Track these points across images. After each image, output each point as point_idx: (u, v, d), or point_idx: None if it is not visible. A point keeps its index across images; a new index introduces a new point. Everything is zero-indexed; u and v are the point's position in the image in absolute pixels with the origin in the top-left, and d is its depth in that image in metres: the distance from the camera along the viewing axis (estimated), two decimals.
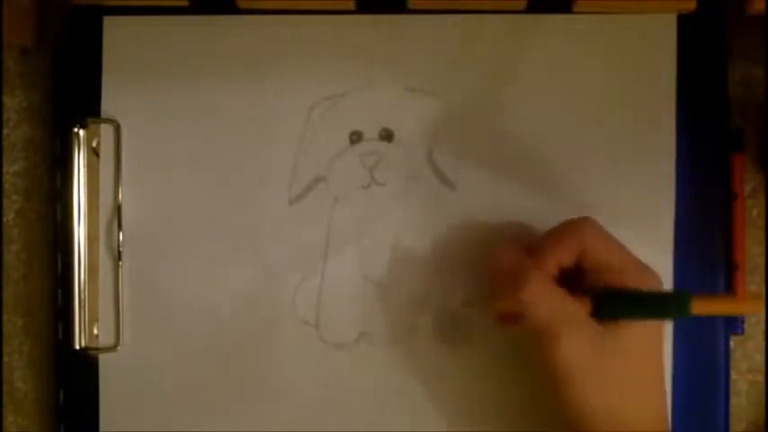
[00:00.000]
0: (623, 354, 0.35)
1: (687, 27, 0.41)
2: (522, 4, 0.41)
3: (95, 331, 0.42)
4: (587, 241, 0.36)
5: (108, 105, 0.42)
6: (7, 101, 0.44)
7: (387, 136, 0.42)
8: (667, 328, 0.41)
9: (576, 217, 0.38)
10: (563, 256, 0.37)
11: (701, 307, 0.36)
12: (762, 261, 0.43)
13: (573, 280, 0.37)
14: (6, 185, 0.44)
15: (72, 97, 0.42)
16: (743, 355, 0.43)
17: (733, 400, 0.42)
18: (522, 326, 0.36)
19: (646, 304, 0.35)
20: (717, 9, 0.41)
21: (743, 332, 0.42)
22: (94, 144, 0.42)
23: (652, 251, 0.41)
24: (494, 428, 0.41)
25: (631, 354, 0.35)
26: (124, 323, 0.42)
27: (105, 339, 0.42)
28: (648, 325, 0.35)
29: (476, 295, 0.41)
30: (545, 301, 0.35)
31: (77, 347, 0.42)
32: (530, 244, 0.38)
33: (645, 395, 0.36)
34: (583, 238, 0.36)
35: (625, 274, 0.36)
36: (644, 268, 0.36)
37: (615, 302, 0.35)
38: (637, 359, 0.35)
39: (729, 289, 0.41)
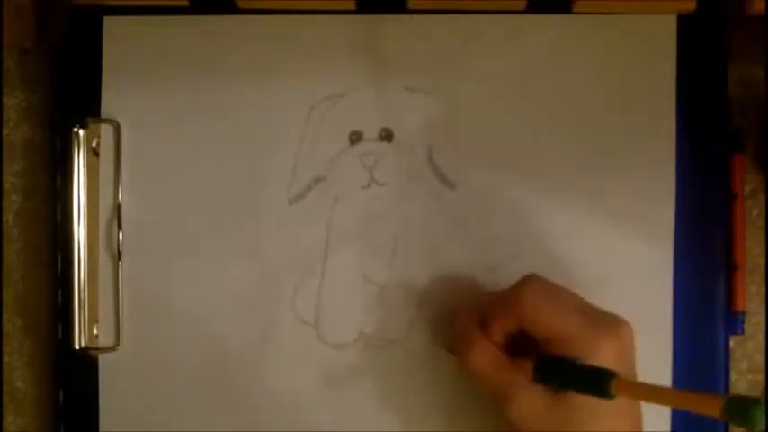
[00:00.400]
0: (583, 415, 0.34)
1: (687, 27, 0.41)
2: (522, 4, 0.41)
3: (95, 331, 0.42)
4: (526, 313, 0.36)
5: (108, 105, 0.42)
6: (7, 101, 0.44)
7: (387, 136, 0.42)
8: (667, 328, 0.41)
9: (521, 280, 0.37)
10: (506, 326, 0.37)
11: (623, 390, 0.32)
12: (762, 261, 0.43)
13: (524, 343, 0.36)
14: (6, 185, 0.44)
15: (72, 97, 0.42)
16: (743, 355, 0.43)
17: None
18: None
19: (575, 377, 0.34)
20: (717, 9, 0.41)
21: (743, 332, 0.42)
22: (94, 144, 0.42)
23: (652, 251, 0.41)
24: (493, 429, 0.41)
25: (593, 414, 0.34)
26: (124, 323, 0.42)
27: (105, 339, 0.42)
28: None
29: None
30: (487, 369, 0.36)
31: (77, 347, 0.42)
32: (484, 303, 0.38)
33: None
34: (521, 310, 0.36)
35: (566, 343, 0.35)
36: (597, 330, 0.35)
37: (550, 371, 0.35)
38: (600, 420, 0.34)
39: (729, 289, 0.41)
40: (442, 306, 0.42)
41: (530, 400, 0.35)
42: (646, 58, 0.42)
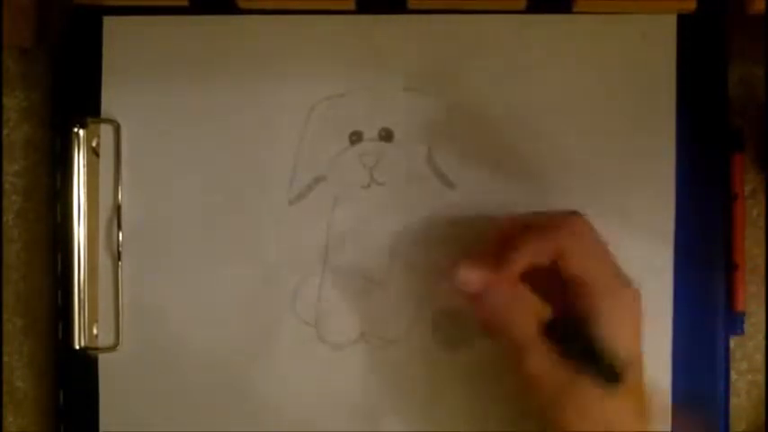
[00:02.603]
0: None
1: (687, 27, 0.41)
2: (522, 4, 0.41)
3: (95, 331, 0.42)
4: (566, 245, 0.35)
5: (108, 105, 0.42)
6: (7, 101, 0.44)
7: (387, 136, 0.42)
8: (667, 328, 0.41)
9: (565, 211, 0.36)
10: (539, 254, 0.35)
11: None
12: (762, 261, 0.43)
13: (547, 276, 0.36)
14: (6, 185, 0.44)
15: (72, 97, 0.42)
16: (743, 355, 0.43)
17: (733, 400, 0.42)
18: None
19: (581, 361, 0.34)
20: (717, 9, 0.41)
21: (743, 332, 0.42)
22: (94, 144, 0.42)
23: (652, 251, 0.41)
24: (493, 429, 0.41)
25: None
26: (124, 323, 0.42)
27: (105, 339, 0.42)
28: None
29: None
30: (502, 306, 0.35)
31: (77, 347, 0.42)
32: (511, 227, 0.37)
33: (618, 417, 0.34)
34: (563, 240, 0.35)
35: (593, 287, 0.34)
36: (618, 285, 0.35)
37: (567, 341, 0.35)
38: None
39: (729, 289, 0.41)
40: (441, 306, 0.42)
41: (544, 356, 0.34)
42: (646, 58, 0.42)
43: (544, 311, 0.35)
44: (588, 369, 0.33)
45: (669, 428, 0.41)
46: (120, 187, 0.42)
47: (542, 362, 0.34)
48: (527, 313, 0.35)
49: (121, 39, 0.42)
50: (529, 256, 0.36)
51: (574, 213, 0.36)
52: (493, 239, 0.38)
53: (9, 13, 0.41)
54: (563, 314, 0.35)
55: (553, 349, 0.34)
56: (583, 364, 0.34)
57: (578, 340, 0.34)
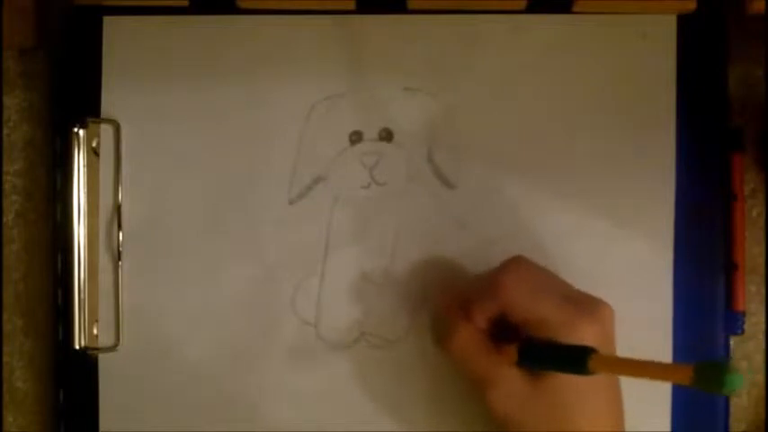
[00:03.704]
0: (562, 396, 0.34)
1: (687, 27, 0.41)
2: (522, 4, 0.41)
3: (95, 331, 0.42)
4: (505, 297, 0.36)
5: (108, 105, 0.42)
6: (7, 101, 0.44)
7: (387, 136, 0.42)
8: (667, 328, 0.41)
9: (503, 263, 0.37)
10: (488, 310, 0.37)
11: (601, 365, 0.32)
12: (762, 261, 0.43)
13: (506, 328, 0.37)
14: (6, 185, 0.44)
15: (72, 97, 0.42)
16: (743, 355, 0.43)
17: (733, 400, 0.42)
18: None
19: (556, 357, 0.34)
20: (717, 9, 0.41)
21: (743, 332, 0.42)
22: (94, 144, 0.42)
23: (652, 251, 0.41)
24: (493, 428, 0.41)
25: (572, 395, 0.34)
26: (124, 323, 0.42)
27: (105, 339, 0.42)
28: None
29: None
30: (469, 353, 0.36)
31: (77, 347, 0.42)
32: (468, 287, 0.39)
33: None
34: (501, 293, 0.36)
35: (545, 326, 0.35)
36: (577, 313, 0.35)
37: (534, 353, 0.35)
38: (578, 400, 0.34)
39: (729, 289, 0.41)
40: (441, 306, 0.42)
41: (511, 384, 0.35)
42: (646, 58, 0.42)
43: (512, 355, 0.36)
44: (565, 369, 0.34)
45: (669, 428, 0.41)
46: (120, 187, 0.42)
47: (512, 388, 0.35)
48: (489, 354, 0.36)
49: (121, 39, 0.42)
50: (481, 313, 0.37)
51: (514, 259, 0.37)
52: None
53: (9, 13, 0.41)
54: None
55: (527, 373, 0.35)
56: (558, 368, 0.34)
57: (546, 352, 0.34)
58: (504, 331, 0.37)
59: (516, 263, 0.37)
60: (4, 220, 0.44)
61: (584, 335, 0.34)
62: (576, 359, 0.32)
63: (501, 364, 0.36)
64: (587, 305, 0.35)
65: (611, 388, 0.36)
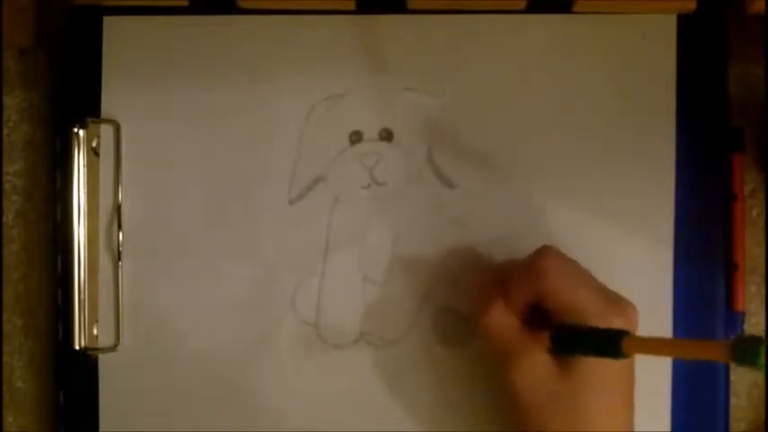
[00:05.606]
0: (585, 387, 0.35)
1: (687, 27, 0.41)
2: (522, 4, 0.41)
3: (95, 331, 0.42)
4: (548, 284, 0.36)
5: (108, 105, 0.42)
6: (7, 101, 0.44)
7: (387, 136, 0.42)
8: (667, 328, 0.41)
9: (540, 251, 0.37)
10: (527, 295, 0.37)
11: (634, 347, 0.33)
12: (762, 261, 0.43)
13: (537, 315, 0.37)
14: (6, 185, 0.44)
15: (72, 97, 0.42)
16: None
17: (733, 400, 0.42)
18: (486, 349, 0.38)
19: (589, 342, 0.34)
20: (717, 9, 0.41)
21: (743, 332, 0.42)
22: (94, 144, 0.42)
23: (652, 251, 0.41)
24: (494, 428, 0.41)
25: (594, 387, 0.35)
26: (124, 323, 0.42)
27: (105, 339, 0.42)
28: (609, 361, 0.34)
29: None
30: (504, 328, 0.37)
31: (77, 347, 0.42)
32: (505, 270, 0.39)
33: (610, 427, 0.35)
34: (544, 281, 0.36)
35: (581, 315, 0.35)
36: (609, 305, 0.35)
37: (567, 339, 0.35)
38: (599, 393, 0.35)
39: (729, 289, 0.41)
40: (441, 306, 0.42)
41: (536, 366, 0.36)
42: (646, 58, 0.42)
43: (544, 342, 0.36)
44: (599, 353, 0.34)
45: (669, 428, 0.41)
46: (120, 187, 0.42)
47: (537, 371, 0.36)
48: (521, 335, 0.37)
49: (121, 39, 0.42)
50: (519, 298, 0.37)
51: (549, 249, 0.37)
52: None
53: (9, 13, 0.41)
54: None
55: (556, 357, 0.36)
56: (592, 351, 0.34)
57: (579, 337, 0.35)
58: (535, 317, 0.37)
59: (553, 251, 0.37)
60: (4, 220, 0.44)
61: (615, 327, 0.35)
62: (611, 341, 0.33)
63: (533, 346, 0.36)
64: (618, 301, 0.36)
65: (627, 386, 0.36)
